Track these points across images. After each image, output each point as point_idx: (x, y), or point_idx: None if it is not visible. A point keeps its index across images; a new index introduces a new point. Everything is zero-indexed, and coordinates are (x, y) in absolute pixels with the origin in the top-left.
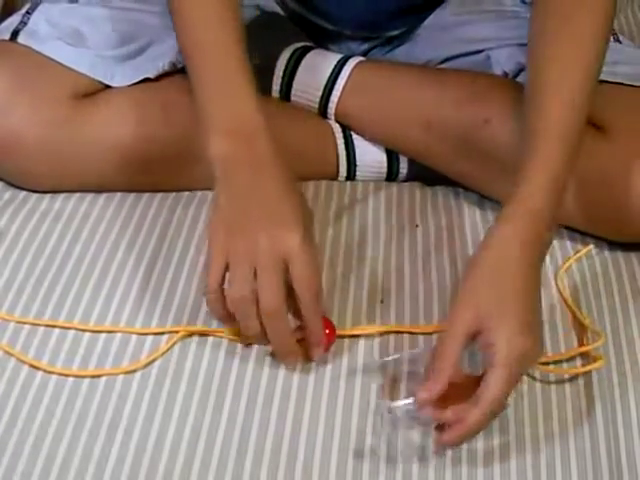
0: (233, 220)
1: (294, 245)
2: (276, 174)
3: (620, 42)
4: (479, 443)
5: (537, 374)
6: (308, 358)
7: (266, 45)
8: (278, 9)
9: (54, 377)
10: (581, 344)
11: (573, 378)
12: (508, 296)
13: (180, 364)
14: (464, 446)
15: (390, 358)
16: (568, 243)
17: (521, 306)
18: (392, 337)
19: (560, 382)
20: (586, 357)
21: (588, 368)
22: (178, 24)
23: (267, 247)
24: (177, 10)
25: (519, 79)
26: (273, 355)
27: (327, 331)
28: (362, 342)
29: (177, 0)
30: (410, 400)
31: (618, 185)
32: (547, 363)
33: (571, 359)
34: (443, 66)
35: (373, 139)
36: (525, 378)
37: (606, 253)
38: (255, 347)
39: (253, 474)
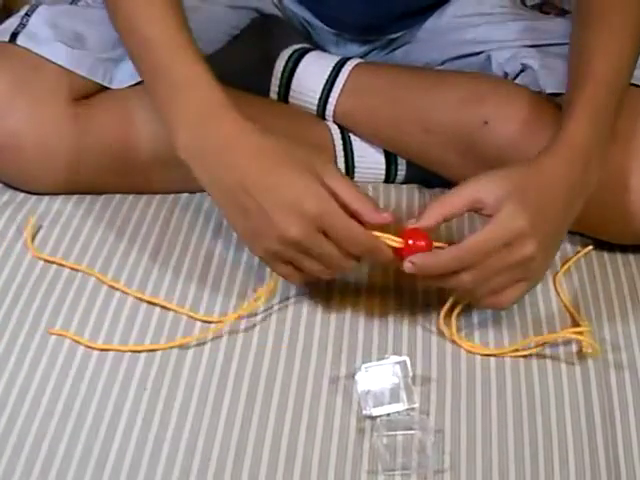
0: (253, 227)
1: (318, 212)
2: (251, 144)
3: None
4: (478, 442)
5: (534, 366)
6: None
7: (264, 47)
8: (276, 11)
9: (53, 378)
10: (579, 346)
11: (571, 379)
12: (529, 193)
13: (179, 362)
14: (462, 445)
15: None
16: (567, 245)
17: (536, 206)
18: (390, 339)
19: (558, 381)
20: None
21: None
22: (121, 25)
23: (299, 232)
24: (118, 11)
25: (519, 80)
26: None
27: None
28: (360, 344)
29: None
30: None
31: (619, 187)
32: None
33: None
34: (443, 68)
35: (371, 141)
36: (523, 377)
37: (605, 255)
38: (253, 345)
39: (252, 474)
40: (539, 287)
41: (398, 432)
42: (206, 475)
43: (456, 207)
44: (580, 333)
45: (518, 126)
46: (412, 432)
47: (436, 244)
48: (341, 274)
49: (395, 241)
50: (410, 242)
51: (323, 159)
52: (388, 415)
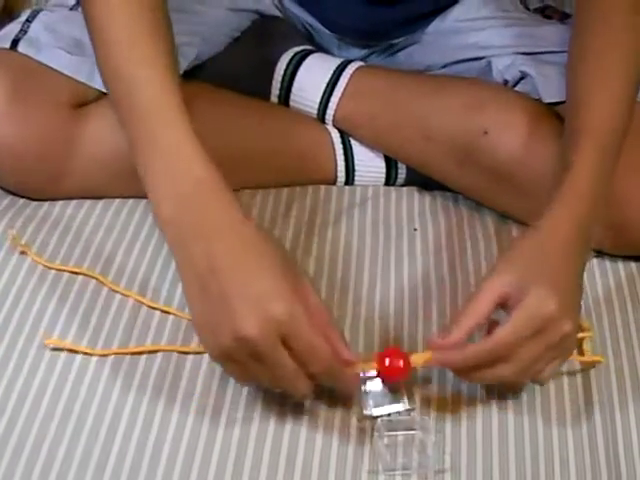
0: (210, 313)
1: (283, 316)
2: (233, 230)
3: None
4: (478, 441)
5: None
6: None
7: (265, 49)
8: (278, 13)
9: (53, 380)
10: (580, 349)
11: (572, 380)
12: (547, 271)
13: (179, 366)
14: (462, 445)
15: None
16: None
17: (560, 282)
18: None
19: (559, 384)
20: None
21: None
22: (99, 50)
23: (257, 332)
24: (97, 29)
25: (519, 87)
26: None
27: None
28: (360, 345)
29: (96, 17)
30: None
31: (613, 199)
32: None
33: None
34: (444, 71)
35: (371, 146)
36: None
37: (605, 258)
38: None
39: (252, 476)
40: None
41: (399, 432)
42: (206, 476)
43: (482, 314)
44: (581, 339)
45: (517, 137)
46: (413, 432)
47: (417, 355)
48: (291, 393)
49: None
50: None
51: (307, 277)
52: (389, 415)
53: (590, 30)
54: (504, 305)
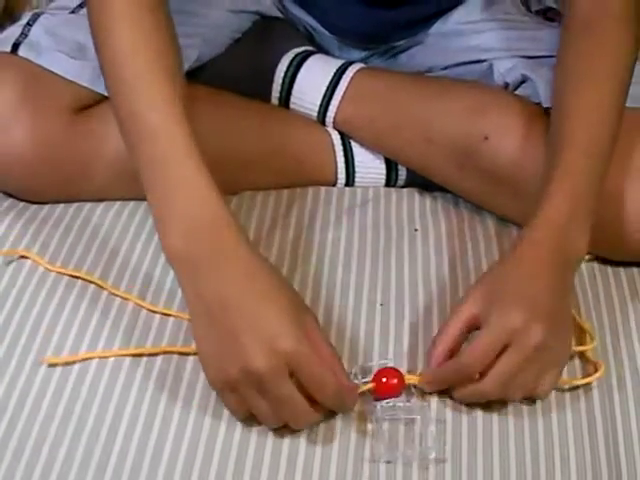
0: (218, 345)
1: (291, 349)
2: (244, 265)
3: None
4: (478, 441)
5: None
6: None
7: (266, 50)
8: (279, 14)
9: (54, 379)
10: (585, 360)
11: (572, 376)
12: (512, 291)
13: (179, 370)
14: (464, 443)
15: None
16: None
17: (525, 298)
18: (391, 341)
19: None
20: (585, 362)
21: (589, 379)
22: (121, 108)
23: (266, 365)
24: (118, 93)
25: (520, 91)
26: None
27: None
28: (361, 346)
29: (111, 57)
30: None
31: (613, 205)
32: None
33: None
34: (445, 73)
35: (372, 148)
36: None
37: (605, 258)
38: None
39: (253, 476)
40: None
41: (398, 418)
42: (207, 476)
43: (453, 338)
44: (584, 351)
45: (518, 143)
46: (412, 417)
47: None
48: (293, 425)
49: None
50: (384, 380)
51: (311, 313)
52: (388, 403)
53: (579, 34)
54: (477, 328)
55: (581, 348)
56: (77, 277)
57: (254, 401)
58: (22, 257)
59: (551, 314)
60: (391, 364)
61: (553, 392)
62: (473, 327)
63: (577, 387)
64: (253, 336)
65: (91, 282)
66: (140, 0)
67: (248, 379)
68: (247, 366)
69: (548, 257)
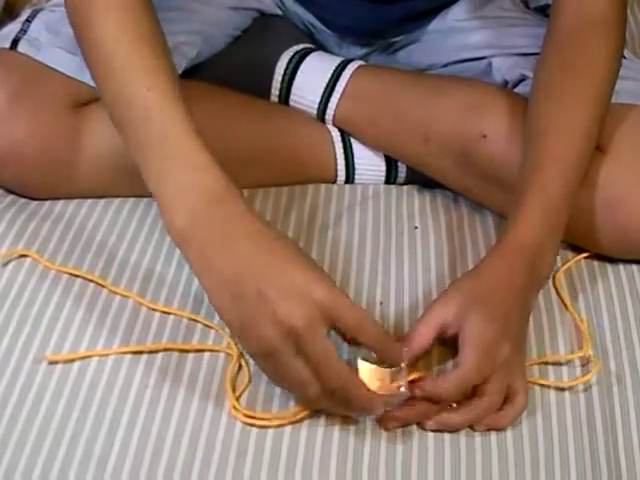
0: (248, 314)
1: (326, 296)
2: (256, 239)
3: (625, 57)
4: (477, 441)
5: (535, 368)
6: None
7: (265, 48)
8: (278, 12)
9: (55, 377)
10: (580, 347)
11: (572, 378)
12: (490, 303)
13: (179, 367)
14: (461, 446)
15: None
16: (566, 246)
17: (503, 313)
18: None
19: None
20: (585, 360)
21: (584, 379)
22: (99, 73)
23: (301, 318)
24: (109, 76)
25: (519, 89)
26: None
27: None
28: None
29: (96, 47)
30: None
31: (608, 201)
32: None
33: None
34: (444, 71)
35: (371, 146)
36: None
37: (605, 258)
38: None
39: (253, 474)
40: None
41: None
42: (207, 475)
43: (424, 344)
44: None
45: (516, 141)
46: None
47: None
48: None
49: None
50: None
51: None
52: None
53: (560, 47)
54: (445, 335)
55: (571, 356)
56: (77, 275)
57: (293, 364)
58: (22, 256)
59: (517, 331)
60: None
61: (552, 392)
62: (443, 333)
63: (576, 387)
64: (284, 293)
65: (91, 280)
66: None
67: (285, 338)
68: (282, 323)
69: (517, 274)
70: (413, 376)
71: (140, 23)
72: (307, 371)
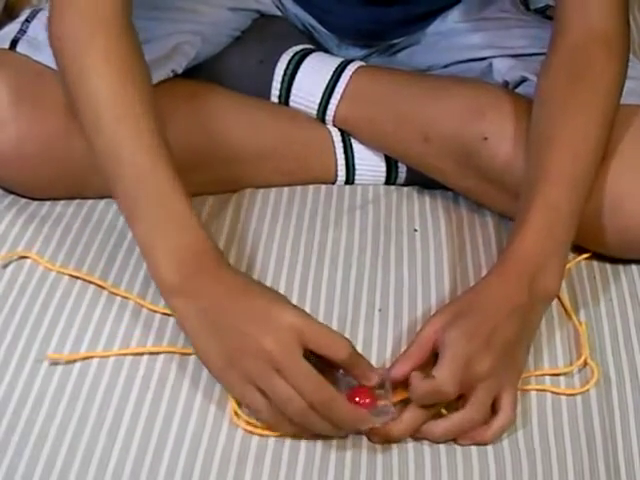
0: (226, 347)
1: (294, 322)
2: (235, 283)
3: None
4: (473, 449)
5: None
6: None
7: (265, 48)
8: (278, 13)
9: (55, 378)
10: (579, 351)
11: (570, 382)
12: (475, 317)
13: (180, 370)
14: (458, 454)
15: None
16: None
17: (488, 328)
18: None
19: (556, 385)
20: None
21: (583, 389)
22: (102, 148)
23: (275, 342)
24: (100, 133)
25: (520, 90)
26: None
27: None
28: (360, 347)
29: (87, 99)
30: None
31: (621, 206)
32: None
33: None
34: (444, 72)
35: (371, 146)
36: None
37: (605, 259)
38: None
39: (254, 475)
40: None
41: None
42: (208, 475)
43: (418, 362)
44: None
45: (517, 143)
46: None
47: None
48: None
49: None
50: (357, 399)
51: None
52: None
53: (565, 60)
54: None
55: (569, 368)
56: (77, 277)
57: (277, 386)
58: (22, 257)
59: (505, 345)
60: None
61: (549, 396)
62: (435, 350)
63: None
64: (258, 325)
65: (91, 282)
66: (112, 41)
67: (262, 364)
68: (258, 349)
69: (514, 291)
70: (400, 397)
71: (134, 80)
72: (289, 389)
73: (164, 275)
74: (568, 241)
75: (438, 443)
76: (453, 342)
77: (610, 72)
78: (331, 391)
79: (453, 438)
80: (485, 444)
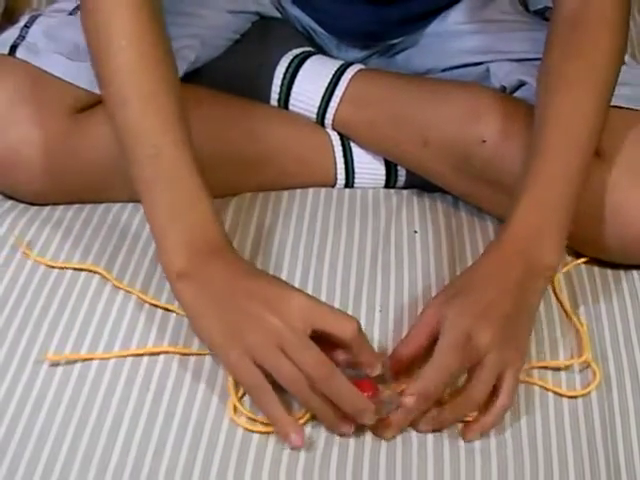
0: (231, 325)
1: (302, 301)
2: (243, 269)
3: (624, 62)
4: (476, 446)
5: (534, 371)
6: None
7: (265, 51)
8: (278, 15)
9: (56, 378)
10: (580, 352)
11: (570, 382)
12: (471, 293)
13: (181, 370)
14: (461, 450)
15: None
16: (566, 250)
17: (485, 302)
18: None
19: (557, 385)
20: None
21: (585, 391)
22: (110, 100)
23: (281, 320)
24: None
25: (517, 94)
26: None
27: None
28: None
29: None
30: None
31: (618, 211)
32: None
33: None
34: (443, 75)
35: (370, 150)
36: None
37: (606, 262)
38: None
39: (254, 475)
40: None
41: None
42: (208, 475)
43: (420, 343)
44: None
45: (515, 146)
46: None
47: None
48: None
49: None
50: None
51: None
52: None
53: (564, 35)
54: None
55: (571, 361)
56: (81, 269)
57: (277, 363)
58: (24, 255)
59: (504, 319)
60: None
61: (550, 396)
62: (436, 333)
63: (575, 389)
64: (264, 304)
65: (95, 272)
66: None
67: (267, 340)
68: (264, 326)
69: (510, 266)
70: (404, 387)
71: (154, 52)
72: (292, 366)
73: (175, 260)
74: (566, 215)
75: (440, 430)
76: (452, 319)
77: (610, 49)
78: (332, 367)
79: (454, 422)
80: (485, 431)
